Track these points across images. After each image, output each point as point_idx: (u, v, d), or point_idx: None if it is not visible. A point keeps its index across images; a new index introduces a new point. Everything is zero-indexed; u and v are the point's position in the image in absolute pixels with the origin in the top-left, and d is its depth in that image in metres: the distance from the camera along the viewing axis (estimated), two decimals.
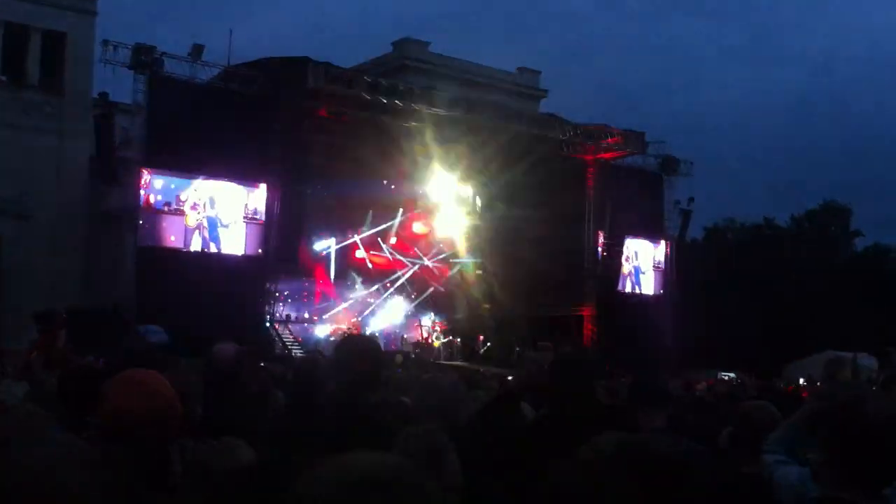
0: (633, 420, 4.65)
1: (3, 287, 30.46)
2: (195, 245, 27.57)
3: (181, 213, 27.32)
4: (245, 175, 28.03)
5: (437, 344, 33.29)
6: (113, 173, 29.00)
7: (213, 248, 27.83)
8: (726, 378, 24.71)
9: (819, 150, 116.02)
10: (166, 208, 27.09)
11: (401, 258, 35.75)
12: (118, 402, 3.05)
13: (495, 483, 3.66)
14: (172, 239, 27.17)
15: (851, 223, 56.45)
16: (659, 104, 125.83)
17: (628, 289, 35.71)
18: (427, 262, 36.14)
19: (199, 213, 27.55)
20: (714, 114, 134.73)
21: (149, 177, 26.81)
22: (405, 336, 33.95)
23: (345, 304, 33.69)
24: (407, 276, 35.62)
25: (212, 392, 5.15)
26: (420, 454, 3.10)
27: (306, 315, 33.08)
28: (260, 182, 28.27)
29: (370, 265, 35.28)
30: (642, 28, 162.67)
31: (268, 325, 28.60)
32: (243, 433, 3.48)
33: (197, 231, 27.60)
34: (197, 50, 27.81)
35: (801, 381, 21.36)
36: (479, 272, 36.06)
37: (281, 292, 30.76)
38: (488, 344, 33.93)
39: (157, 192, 27.00)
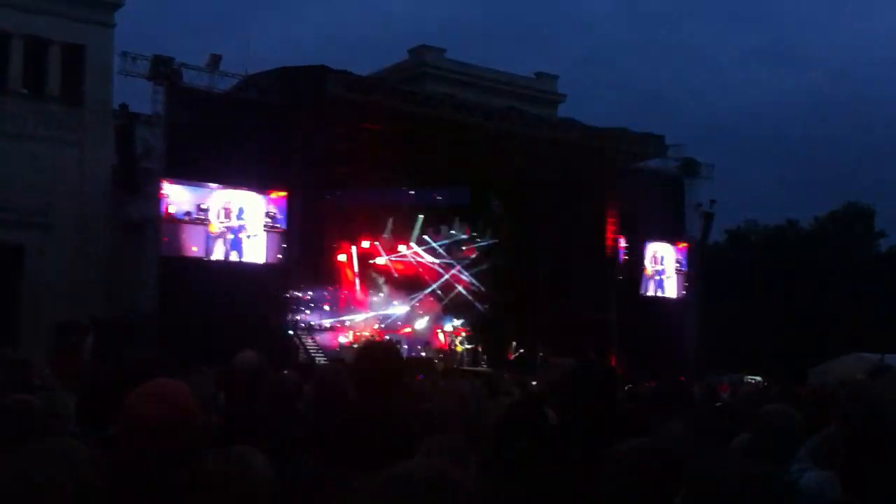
0: (655, 426, 4.62)
1: (26, 297, 30.69)
2: (217, 254, 27.67)
3: (202, 222, 27.43)
4: (265, 183, 28.13)
5: (459, 349, 33.24)
6: (134, 183, 29.16)
7: (234, 257, 27.92)
8: (751, 381, 24.57)
9: (841, 151, 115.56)
10: (187, 218, 27.20)
11: (429, 261, 35.61)
12: (139, 411, 3.05)
13: (518, 486, 3.64)
14: (194, 249, 27.27)
15: (875, 224, 56.14)
16: (679, 107, 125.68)
17: (651, 293, 35.57)
18: (455, 267, 35.92)
19: (220, 221, 27.66)
20: (735, 116, 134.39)
21: (170, 186, 26.93)
22: (427, 342, 33.87)
23: (371, 314, 33.62)
24: (438, 283, 35.49)
25: (232, 400, 5.15)
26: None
27: (328, 323, 33.06)
28: (280, 190, 28.36)
29: (395, 273, 35.25)
30: (661, 31, 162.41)
31: (290, 332, 28.64)
32: (263, 441, 3.47)
33: (219, 240, 27.70)
34: (215, 60, 27.95)
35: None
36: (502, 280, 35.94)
37: (303, 300, 30.78)
38: (521, 350, 33.83)
39: (178, 202, 27.11)
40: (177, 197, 27.10)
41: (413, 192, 34.01)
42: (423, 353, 31.82)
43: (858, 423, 3.11)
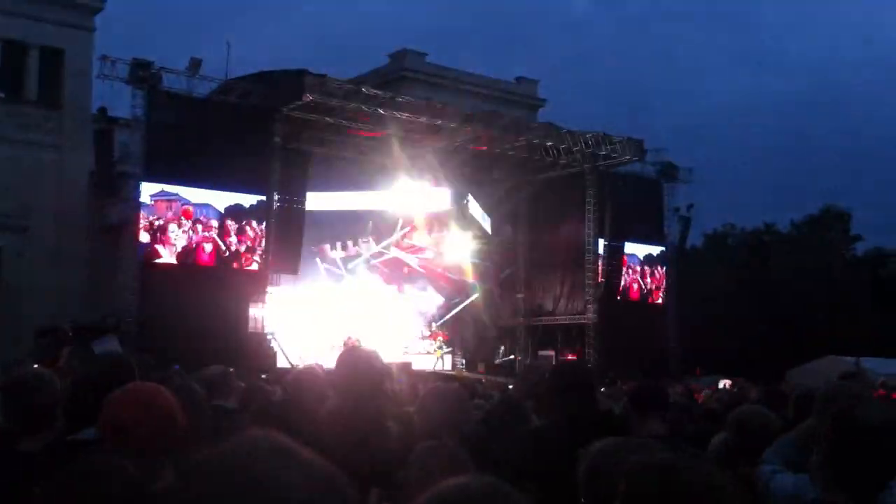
0: (632, 426, 4.68)
1: (3, 300, 30.52)
2: (195, 257, 27.54)
3: (181, 225, 27.31)
4: (244, 187, 28.05)
5: (438, 354, 33.26)
6: (113, 187, 29.07)
7: (213, 261, 27.80)
8: (727, 384, 24.69)
9: (818, 154, 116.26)
10: (166, 221, 27.08)
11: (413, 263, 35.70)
12: (117, 414, 3.08)
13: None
14: (173, 251, 27.15)
15: (851, 227, 56.50)
16: (658, 110, 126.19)
17: (629, 296, 35.68)
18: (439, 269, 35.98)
19: (199, 225, 27.56)
20: (713, 119, 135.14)
21: (148, 190, 26.83)
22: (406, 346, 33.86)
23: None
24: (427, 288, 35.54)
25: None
26: (441, 469, 3.06)
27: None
28: (259, 194, 28.30)
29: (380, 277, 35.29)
30: (641, 34, 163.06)
31: (269, 336, 28.57)
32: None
33: (197, 244, 27.58)
34: (195, 64, 27.88)
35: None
36: (485, 287, 36.01)
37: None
38: (511, 356, 33.88)
39: (156, 206, 27.00)
40: (155, 200, 26.97)
41: (392, 195, 34.03)
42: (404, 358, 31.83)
43: (835, 423, 3.17)
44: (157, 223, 26.89)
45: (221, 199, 27.93)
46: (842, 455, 3.05)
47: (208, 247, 27.66)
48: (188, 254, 27.36)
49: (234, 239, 28.04)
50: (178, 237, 27.24)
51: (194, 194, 27.53)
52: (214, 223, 27.76)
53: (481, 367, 32.97)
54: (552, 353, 33.97)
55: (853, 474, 3.01)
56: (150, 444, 3.04)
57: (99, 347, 19.06)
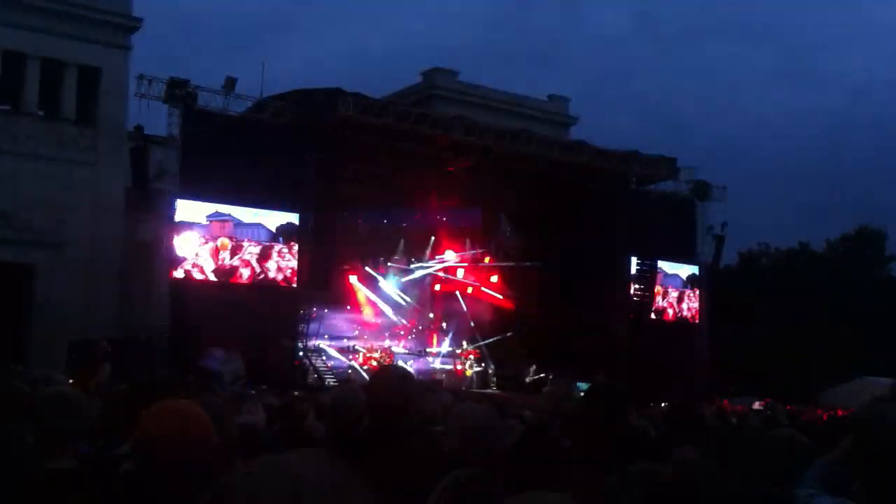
0: (667, 449, 4.64)
1: (37, 317, 30.80)
2: (228, 275, 27.68)
3: (215, 242, 27.47)
4: (277, 204, 28.19)
5: (469, 372, 33.22)
6: (148, 204, 29.30)
7: (245, 278, 27.92)
8: (759, 406, 24.50)
9: (856, 174, 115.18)
10: (200, 238, 27.26)
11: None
12: (151, 431, 3.09)
13: None
14: (206, 268, 27.32)
15: (886, 247, 55.97)
16: (693, 129, 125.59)
17: (662, 315, 35.50)
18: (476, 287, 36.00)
19: (232, 242, 27.72)
20: (749, 138, 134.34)
21: (182, 207, 27.02)
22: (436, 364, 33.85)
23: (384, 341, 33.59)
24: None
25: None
26: (477, 500, 2.99)
27: (338, 343, 33.02)
28: (293, 211, 28.42)
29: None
30: (677, 52, 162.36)
31: (301, 353, 28.66)
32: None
33: (230, 261, 27.74)
34: (230, 83, 28.13)
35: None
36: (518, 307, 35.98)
37: (314, 321, 30.78)
38: (541, 374, 33.77)
39: (191, 223, 27.19)
40: (189, 217, 27.19)
41: (425, 213, 34.12)
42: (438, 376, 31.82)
43: (875, 448, 3.12)
44: (190, 240, 27.06)
45: (255, 217, 28.07)
46: (878, 479, 3.01)
47: (241, 264, 27.80)
48: (220, 271, 27.49)
49: (266, 256, 28.12)
50: (212, 254, 27.38)
51: (228, 211, 27.69)
52: (248, 241, 27.87)
53: (512, 386, 32.95)
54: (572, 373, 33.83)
55: (891, 499, 2.96)
56: (183, 461, 3.04)
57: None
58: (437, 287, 36.15)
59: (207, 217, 27.32)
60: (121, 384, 10.15)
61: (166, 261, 27.26)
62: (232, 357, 21.13)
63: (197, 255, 27.13)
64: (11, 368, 9.25)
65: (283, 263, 28.33)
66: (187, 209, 27.18)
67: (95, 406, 4.86)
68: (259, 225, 28.15)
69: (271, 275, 28.15)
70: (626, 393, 5.35)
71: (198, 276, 27.10)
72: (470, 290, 36.09)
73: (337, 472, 2.70)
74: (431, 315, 35.98)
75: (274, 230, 28.25)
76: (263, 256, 28.05)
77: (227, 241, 27.56)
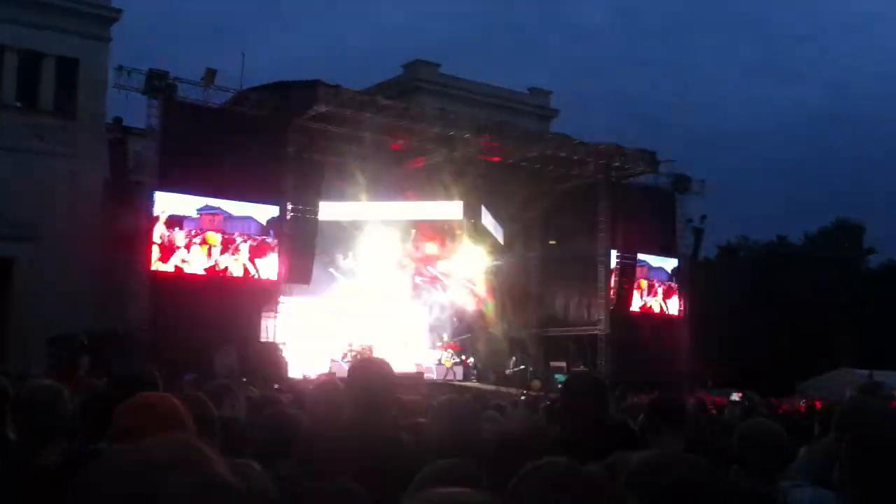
0: (647, 440, 4.65)
1: (15, 309, 30.62)
2: (207, 267, 27.58)
3: (193, 235, 27.37)
4: (257, 197, 28.10)
5: (448, 364, 33.19)
6: (126, 196, 29.14)
7: (225, 271, 27.83)
8: (737, 398, 24.62)
9: (832, 167, 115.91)
10: (178, 231, 27.15)
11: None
12: (128, 426, 3.07)
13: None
14: (185, 261, 27.19)
15: (865, 240, 56.34)
16: (672, 122, 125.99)
17: (642, 308, 35.59)
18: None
19: (211, 235, 27.61)
20: (728, 131, 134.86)
21: (162, 199, 26.90)
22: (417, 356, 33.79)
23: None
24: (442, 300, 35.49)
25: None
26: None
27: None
28: (272, 204, 28.35)
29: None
30: (657, 45, 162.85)
31: (281, 346, 28.58)
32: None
33: (209, 253, 27.63)
34: (210, 74, 27.99)
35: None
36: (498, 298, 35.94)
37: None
38: (522, 366, 33.80)
39: (169, 215, 27.05)
40: (168, 209, 27.05)
41: (404, 206, 34.04)
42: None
43: (860, 440, 3.14)
44: (169, 232, 26.93)
45: (234, 208, 27.96)
46: (864, 473, 3.02)
47: (220, 256, 27.68)
48: (199, 263, 27.38)
49: (245, 249, 28.02)
50: (190, 246, 27.27)
51: (207, 203, 27.57)
52: (227, 233, 27.76)
53: (493, 378, 32.99)
54: (563, 364, 33.90)
55: (876, 492, 2.97)
56: None
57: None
58: (418, 280, 36.07)
59: (198, 210, 27.24)
60: (100, 379, 10.11)
61: (146, 253, 27.09)
62: (227, 351, 21.08)
63: (186, 248, 27.05)
64: None
65: (272, 257, 28.29)
66: (177, 202, 27.09)
67: (78, 401, 4.82)
68: (250, 218, 28.08)
69: (259, 268, 28.09)
70: (604, 383, 5.36)
71: (187, 270, 27.02)
72: (450, 282, 36.01)
73: None
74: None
75: (265, 223, 28.21)
76: (252, 250, 27.99)
77: (215, 235, 27.48)
